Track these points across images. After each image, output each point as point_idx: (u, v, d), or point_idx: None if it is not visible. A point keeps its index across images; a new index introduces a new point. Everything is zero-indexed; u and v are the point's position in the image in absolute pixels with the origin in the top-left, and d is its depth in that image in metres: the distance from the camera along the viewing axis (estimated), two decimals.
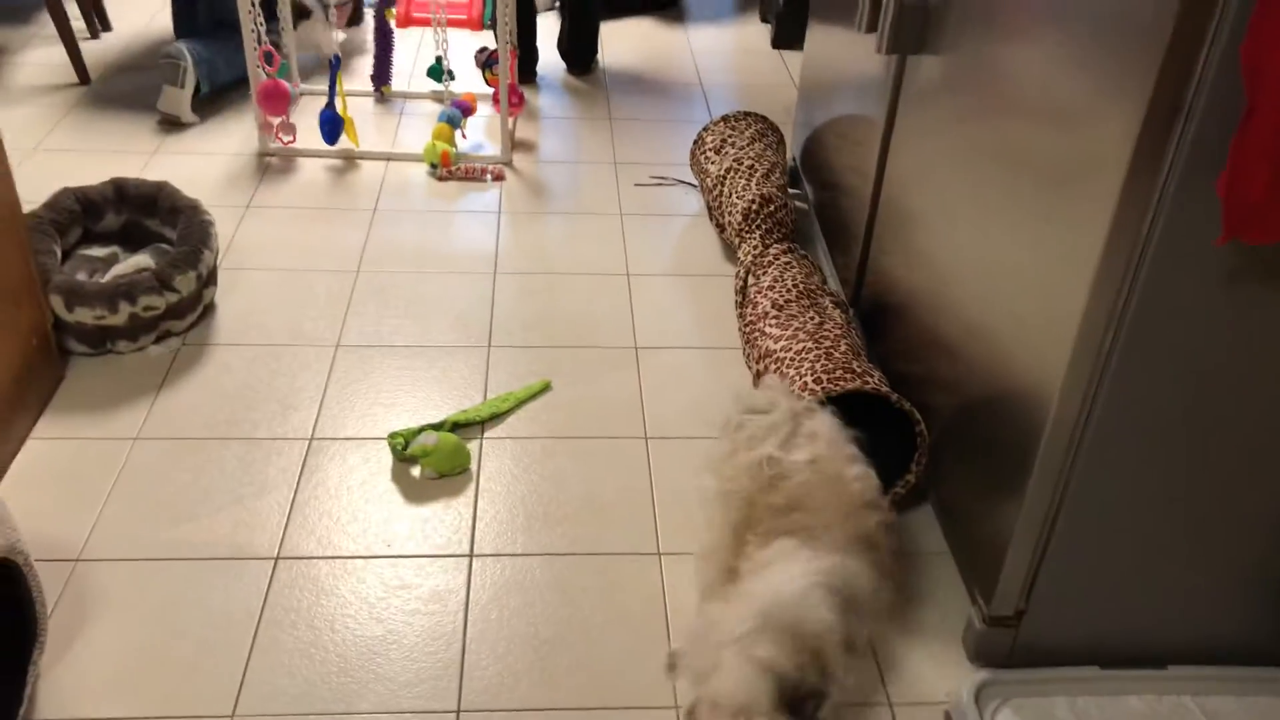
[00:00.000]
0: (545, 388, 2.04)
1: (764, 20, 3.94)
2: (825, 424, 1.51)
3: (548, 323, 2.23)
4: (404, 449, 1.82)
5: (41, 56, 3.26)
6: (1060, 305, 1.28)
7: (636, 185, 2.80)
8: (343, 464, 1.84)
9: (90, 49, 3.29)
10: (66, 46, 3.08)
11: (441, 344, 2.15)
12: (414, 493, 1.79)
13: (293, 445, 1.87)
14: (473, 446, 1.88)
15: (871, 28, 1.81)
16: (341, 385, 2.01)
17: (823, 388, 1.70)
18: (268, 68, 2.65)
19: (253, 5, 2.58)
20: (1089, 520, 1.38)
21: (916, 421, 1.68)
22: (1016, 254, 1.41)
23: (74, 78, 3.12)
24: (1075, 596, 1.46)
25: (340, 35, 3.28)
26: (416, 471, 1.83)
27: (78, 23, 3.37)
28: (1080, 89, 1.25)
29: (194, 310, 2.10)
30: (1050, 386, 1.31)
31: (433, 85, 3.14)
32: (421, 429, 1.84)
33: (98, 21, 3.43)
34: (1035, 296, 1.36)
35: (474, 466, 1.85)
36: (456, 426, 1.89)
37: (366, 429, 1.91)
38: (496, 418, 1.96)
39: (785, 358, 1.83)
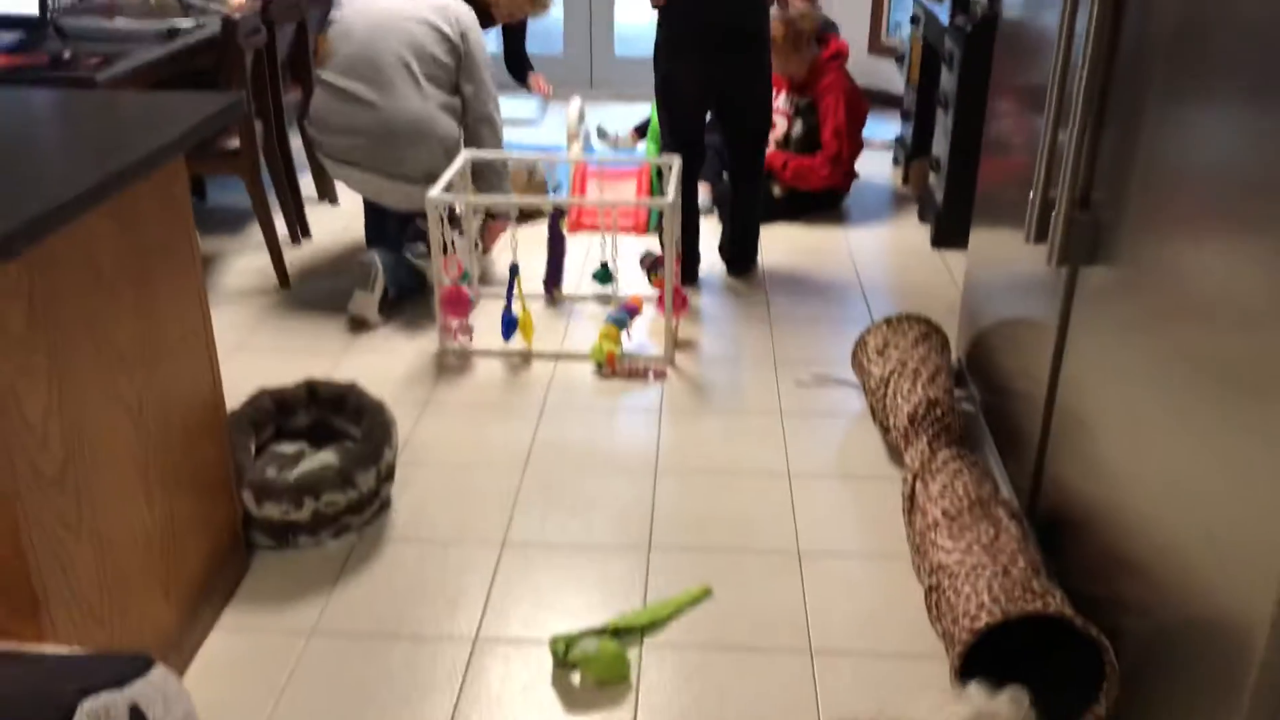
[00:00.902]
0: (706, 594, 2.02)
1: (923, 220, 3.99)
2: None
3: (708, 524, 2.22)
4: (565, 654, 1.81)
5: (248, 262, 3.58)
6: (1266, 530, 1.20)
7: (797, 384, 2.81)
8: (505, 667, 1.84)
9: (291, 254, 3.60)
10: (271, 253, 3.39)
11: (603, 544, 2.16)
12: (574, 701, 1.77)
13: (457, 646, 1.88)
14: (632, 654, 1.86)
15: (1041, 238, 1.81)
16: (506, 584, 2.04)
17: (1001, 608, 1.62)
18: (451, 274, 2.83)
19: (441, 219, 2.79)
20: None
21: (1105, 649, 1.58)
22: (1211, 470, 1.34)
23: (275, 281, 3.40)
24: None
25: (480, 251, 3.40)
26: (576, 678, 1.81)
27: (282, 229, 3.70)
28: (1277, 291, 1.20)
29: (371, 506, 2.18)
30: (1257, 619, 1.21)
31: (599, 288, 3.28)
32: (582, 634, 1.83)
33: (300, 230, 3.76)
34: (1234, 518, 1.28)
35: (634, 676, 1.82)
36: (617, 632, 1.88)
37: (529, 631, 1.92)
38: (656, 624, 1.93)
39: (959, 572, 1.76)
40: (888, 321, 2.62)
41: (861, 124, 4.05)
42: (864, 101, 4.05)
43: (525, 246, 3.21)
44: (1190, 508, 1.40)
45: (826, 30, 4.13)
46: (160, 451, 1.74)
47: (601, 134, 4.72)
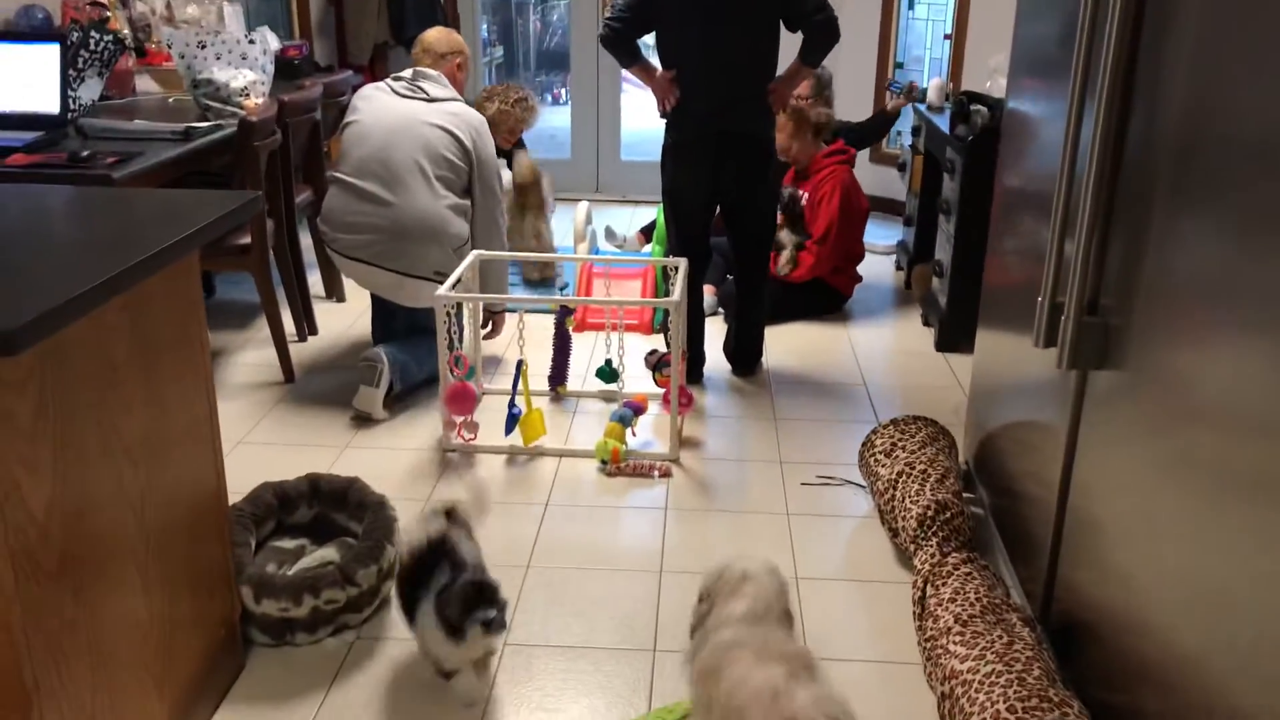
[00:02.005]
0: None
1: (926, 323, 4.02)
2: None
3: None
4: None
5: (254, 357, 3.59)
6: None
7: (803, 485, 2.79)
8: None
9: (297, 350, 3.61)
10: (278, 349, 3.40)
11: (606, 646, 2.11)
12: None
13: None
14: None
15: (1050, 342, 1.81)
16: (507, 688, 1.99)
17: (1016, 718, 1.58)
18: (457, 370, 2.83)
19: (448, 315, 2.81)
20: None
21: None
22: (1231, 576, 1.32)
23: (280, 376, 3.41)
24: None
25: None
26: None
27: (290, 326, 3.72)
28: None
29: (371, 604, 2.14)
30: None
31: (604, 386, 3.28)
32: None
33: (307, 326, 3.78)
34: (1257, 626, 1.25)
35: None
36: None
37: None
38: None
39: (973, 680, 1.72)
40: (894, 423, 2.61)
41: (858, 221, 4.09)
42: (862, 198, 4.11)
43: (531, 341, 3.22)
44: (1211, 615, 1.37)
45: (839, 135, 4.22)
46: (160, 545, 1.71)
47: (610, 234, 4.79)
